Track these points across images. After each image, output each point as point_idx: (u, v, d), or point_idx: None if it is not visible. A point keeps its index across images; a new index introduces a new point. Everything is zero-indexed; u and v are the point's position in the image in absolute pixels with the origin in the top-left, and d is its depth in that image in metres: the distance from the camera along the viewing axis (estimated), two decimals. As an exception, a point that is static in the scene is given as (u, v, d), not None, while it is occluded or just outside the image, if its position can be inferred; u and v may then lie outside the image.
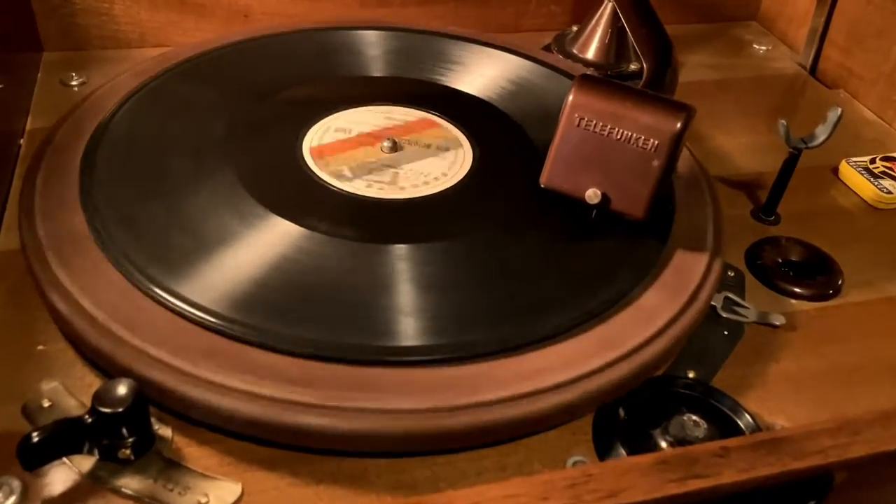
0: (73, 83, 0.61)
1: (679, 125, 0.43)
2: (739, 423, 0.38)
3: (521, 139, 0.53)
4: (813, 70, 0.74)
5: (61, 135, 0.50)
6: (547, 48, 0.68)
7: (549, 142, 0.47)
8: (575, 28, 0.69)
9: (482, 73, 0.59)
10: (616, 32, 0.65)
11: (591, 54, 0.66)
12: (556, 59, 0.64)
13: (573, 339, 0.40)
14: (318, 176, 0.48)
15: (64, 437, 0.34)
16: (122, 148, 0.49)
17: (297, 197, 0.47)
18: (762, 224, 0.54)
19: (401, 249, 0.44)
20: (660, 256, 0.45)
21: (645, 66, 0.61)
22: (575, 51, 0.67)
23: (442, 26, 0.65)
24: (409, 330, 0.39)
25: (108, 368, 0.38)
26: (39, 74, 0.62)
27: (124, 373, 0.36)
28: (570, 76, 0.59)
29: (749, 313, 0.46)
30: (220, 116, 0.52)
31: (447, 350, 0.38)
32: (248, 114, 0.53)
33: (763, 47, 0.77)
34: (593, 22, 0.67)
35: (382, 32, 0.62)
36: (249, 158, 0.49)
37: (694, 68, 0.73)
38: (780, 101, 0.71)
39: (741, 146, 0.63)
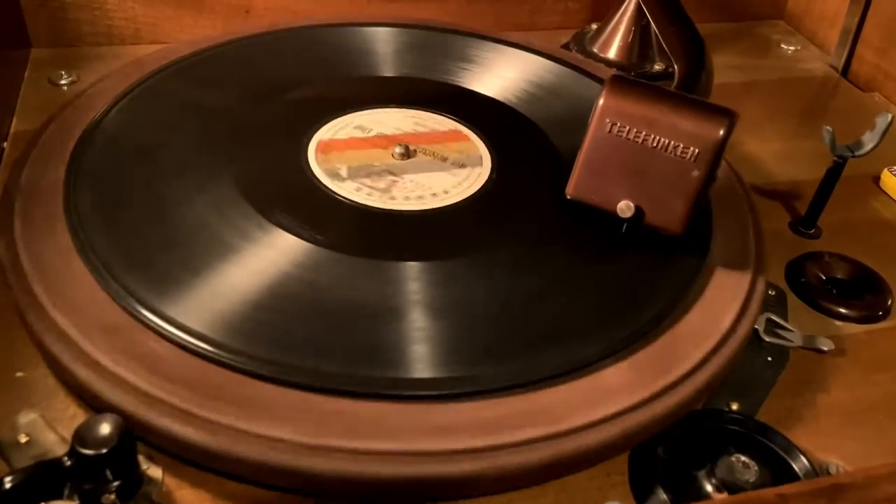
0: (63, 82, 0.58)
1: (722, 132, 0.39)
2: (793, 465, 0.35)
3: (545, 146, 0.49)
4: (845, 72, 0.70)
5: (46, 138, 0.46)
6: (565, 47, 0.65)
7: (575, 149, 0.43)
8: (595, 26, 0.65)
9: (501, 73, 0.55)
10: (640, 30, 0.62)
11: (612, 54, 0.62)
12: (581, 59, 0.60)
13: (605, 370, 0.36)
14: (326, 186, 0.44)
15: (41, 482, 0.30)
16: (113, 153, 0.45)
17: (302, 208, 0.43)
18: (801, 238, 0.50)
19: (413, 267, 0.40)
20: (699, 275, 0.41)
21: (676, 67, 0.57)
22: (595, 50, 0.63)
23: (453, 23, 0.61)
24: (420, 360, 0.35)
25: (91, 401, 0.34)
26: (27, 72, 0.59)
27: (109, 407, 0.33)
28: (596, 78, 0.55)
29: (794, 337, 0.42)
30: (219, 119, 0.48)
31: (463, 384, 0.34)
32: (248, 116, 0.49)
33: (791, 47, 0.73)
34: (615, 19, 0.63)
35: (392, 29, 0.58)
36: (250, 165, 0.45)
37: (718, 70, 0.68)
38: (811, 105, 0.67)
39: (773, 152, 0.59)
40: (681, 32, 0.58)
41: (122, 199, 0.42)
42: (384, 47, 0.57)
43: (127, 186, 0.43)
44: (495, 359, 0.36)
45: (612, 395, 0.35)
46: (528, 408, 0.34)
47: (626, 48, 0.62)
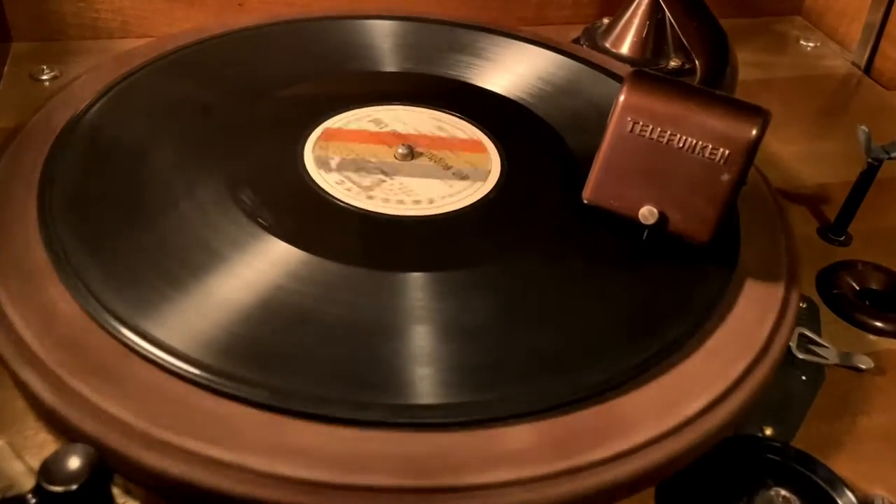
0: (44, 77, 0.55)
1: (755, 132, 0.36)
2: (839, 501, 0.31)
3: (558, 147, 0.46)
4: (868, 69, 0.67)
5: (23, 136, 0.43)
6: (575, 42, 0.61)
7: (591, 151, 0.39)
8: (606, 20, 0.62)
9: (511, 69, 0.52)
10: (654, 25, 0.58)
11: (625, 49, 0.59)
12: (598, 55, 0.57)
13: (626, 395, 0.32)
14: (324, 190, 0.41)
15: (2, 521, 0.27)
16: (93, 154, 0.42)
17: (298, 214, 0.40)
18: (831, 245, 0.47)
19: (416, 279, 0.36)
20: (728, 288, 0.37)
21: (697, 63, 0.53)
22: (607, 45, 0.60)
23: (457, 17, 0.57)
24: (420, 384, 0.32)
25: (61, 430, 0.31)
26: (6, 67, 0.56)
27: (79, 434, 0.29)
28: (613, 75, 0.51)
29: (830, 354, 0.39)
30: (209, 117, 0.45)
31: (470, 410, 0.31)
32: (241, 114, 0.46)
33: (811, 44, 0.70)
34: (628, 13, 0.60)
35: (395, 22, 0.55)
36: (242, 167, 0.42)
37: (736, 66, 0.66)
38: (833, 104, 0.64)
39: (797, 154, 0.56)
40: (701, 25, 0.55)
41: (101, 202, 0.39)
42: (385, 41, 0.54)
43: (107, 189, 0.40)
44: (504, 384, 0.32)
45: (635, 423, 0.31)
46: (540, 438, 0.31)
47: (640, 43, 0.59)
